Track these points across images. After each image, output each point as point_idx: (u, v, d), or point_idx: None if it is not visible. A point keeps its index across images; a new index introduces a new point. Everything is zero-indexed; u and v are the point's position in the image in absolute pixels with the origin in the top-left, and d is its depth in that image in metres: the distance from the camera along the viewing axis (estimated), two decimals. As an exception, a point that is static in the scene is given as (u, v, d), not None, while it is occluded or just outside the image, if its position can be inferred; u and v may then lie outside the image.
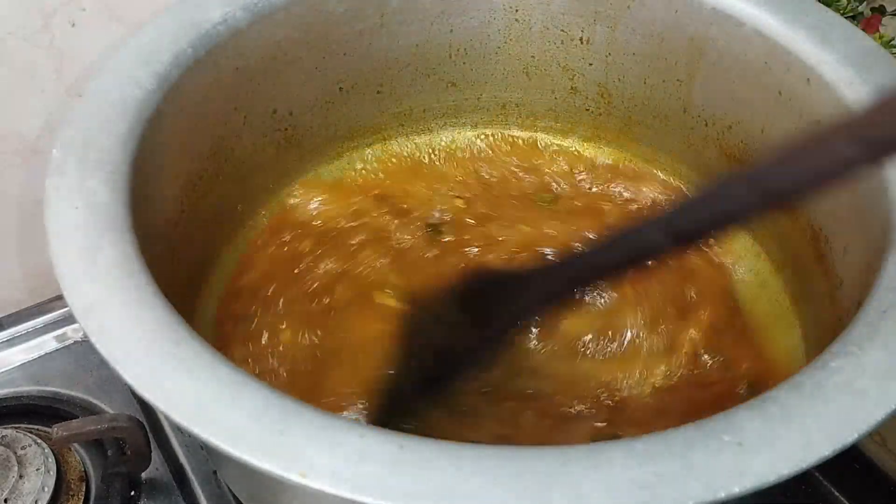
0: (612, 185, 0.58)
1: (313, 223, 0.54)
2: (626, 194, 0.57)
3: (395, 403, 0.44)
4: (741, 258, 0.53)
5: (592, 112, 0.58)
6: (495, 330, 0.41)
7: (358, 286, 0.50)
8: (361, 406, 0.44)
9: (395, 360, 0.46)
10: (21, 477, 0.45)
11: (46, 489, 0.45)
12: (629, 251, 0.35)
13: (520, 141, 0.61)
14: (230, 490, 0.47)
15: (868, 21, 0.52)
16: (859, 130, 0.28)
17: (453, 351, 0.43)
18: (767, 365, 0.48)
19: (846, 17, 0.49)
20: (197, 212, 0.47)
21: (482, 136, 0.61)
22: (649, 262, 0.35)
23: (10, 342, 0.55)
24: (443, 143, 0.60)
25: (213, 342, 0.33)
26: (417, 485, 0.27)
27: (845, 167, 0.28)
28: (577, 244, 0.50)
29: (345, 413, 0.44)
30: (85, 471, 0.48)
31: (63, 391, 0.52)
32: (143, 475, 0.48)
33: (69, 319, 0.56)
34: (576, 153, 0.60)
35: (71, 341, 0.55)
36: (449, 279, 0.47)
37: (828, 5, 0.48)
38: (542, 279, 0.40)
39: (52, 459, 0.46)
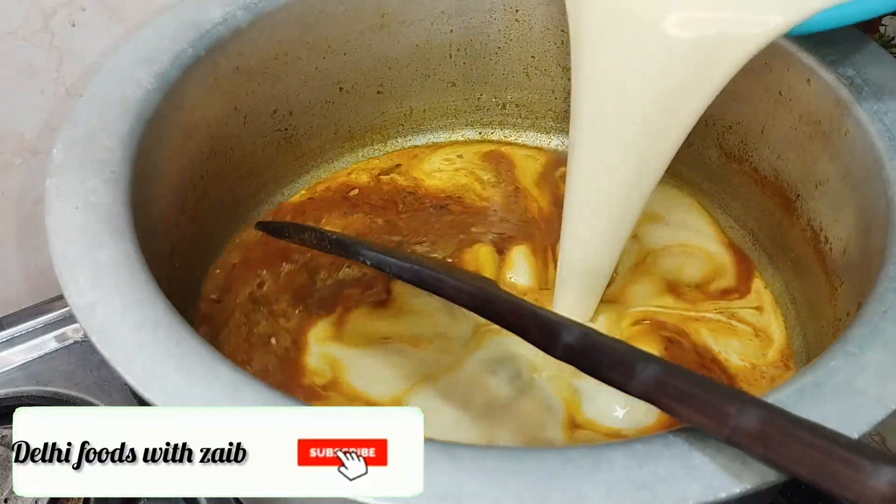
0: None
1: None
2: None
3: None
4: (741, 258, 0.53)
5: (592, 112, 0.58)
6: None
7: None
8: None
9: None
10: (21, 477, 0.45)
11: (46, 489, 0.45)
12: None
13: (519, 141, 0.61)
14: (230, 490, 0.47)
15: (868, 21, 0.52)
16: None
17: None
18: (767, 365, 0.48)
19: (846, 17, 0.49)
20: (197, 212, 0.47)
21: (482, 137, 0.61)
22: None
23: (10, 342, 0.55)
24: (443, 143, 0.60)
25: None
26: (417, 485, 0.27)
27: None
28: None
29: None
30: (85, 471, 0.48)
31: (63, 391, 0.52)
32: (144, 475, 0.48)
33: (69, 319, 0.56)
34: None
35: (71, 341, 0.55)
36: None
37: (828, 5, 0.48)
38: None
39: (52, 459, 0.46)
